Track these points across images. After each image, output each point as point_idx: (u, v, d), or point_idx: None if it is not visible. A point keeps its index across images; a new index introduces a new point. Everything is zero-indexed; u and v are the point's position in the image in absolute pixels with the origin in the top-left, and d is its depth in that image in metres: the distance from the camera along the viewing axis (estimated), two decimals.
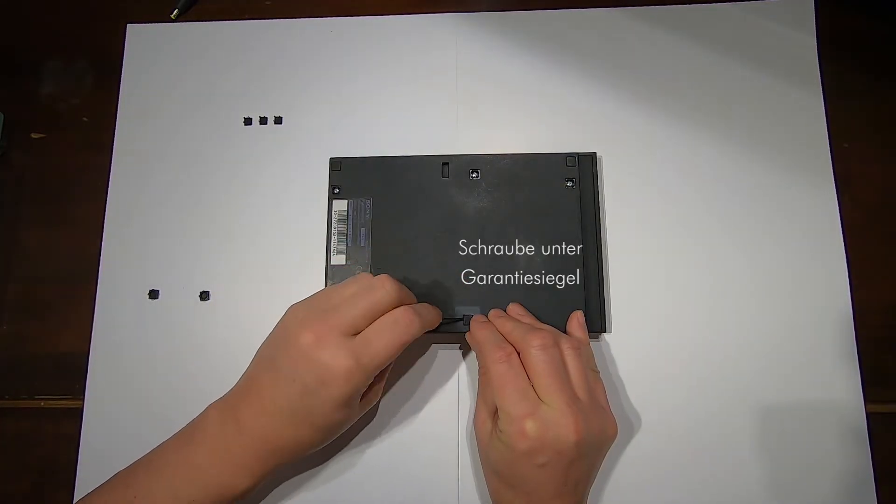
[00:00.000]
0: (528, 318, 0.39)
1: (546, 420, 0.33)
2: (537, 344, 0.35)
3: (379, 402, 0.40)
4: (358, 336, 0.34)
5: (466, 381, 0.42)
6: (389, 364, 0.36)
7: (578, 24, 0.47)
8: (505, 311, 0.40)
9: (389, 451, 0.41)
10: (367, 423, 0.41)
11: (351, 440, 0.41)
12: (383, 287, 0.35)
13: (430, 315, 0.37)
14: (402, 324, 0.34)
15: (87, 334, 0.43)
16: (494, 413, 0.36)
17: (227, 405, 0.36)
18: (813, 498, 0.39)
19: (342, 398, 0.33)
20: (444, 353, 0.42)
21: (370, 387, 0.36)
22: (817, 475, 0.39)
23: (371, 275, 0.36)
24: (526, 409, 0.34)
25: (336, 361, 0.32)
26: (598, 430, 0.35)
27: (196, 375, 0.42)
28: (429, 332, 0.41)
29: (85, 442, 0.42)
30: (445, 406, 0.41)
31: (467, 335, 0.39)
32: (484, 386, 0.38)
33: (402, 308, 0.35)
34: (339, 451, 0.41)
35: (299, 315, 0.35)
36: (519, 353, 0.36)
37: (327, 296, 0.35)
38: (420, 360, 0.42)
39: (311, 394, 0.33)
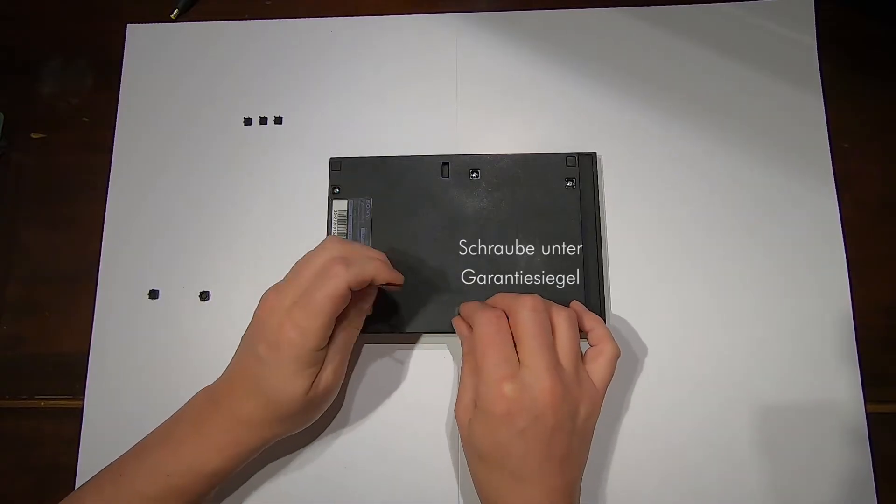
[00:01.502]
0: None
1: (524, 382, 0.33)
2: (529, 305, 0.35)
3: (342, 391, 0.38)
4: (299, 299, 0.34)
5: None
6: (346, 344, 0.36)
7: (578, 24, 0.47)
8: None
9: (390, 452, 0.41)
10: (359, 420, 0.41)
11: (347, 436, 0.41)
12: (327, 246, 0.35)
13: (368, 265, 0.35)
14: (328, 274, 0.33)
15: (87, 334, 0.43)
16: (476, 401, 0.35)
17: (211, 387, 0.37)
18: (813, 498, 0.39)
19: (290, 362, 0.33)
20: (443, 355, 0.42)
21: (325, 366, 0.35)
22: (817, 475, 0.39)
23: (338, 240, 0.36)
24: (506, 371, 0.33)
25: (279, 325, 0.33)
26: (576, 399, 0.34)
27: (196, 375, 0.42)
28: (430, 332, 0.41)
29: (85, 442, 0.42)
30: (445, 407, 0.41)
31: (454, 320, 0.39)
32: (466, 374, 0.37)
33: (329, 259, 0.34)
34: (337, 452, 0.41)
35: (265, 294, 0.36)
36: (508, 318, 0.36)
37: (293, 273, 0.36)
38: (420, 361, 0.42)
39: (265, 363, 0.34)
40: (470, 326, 0.37)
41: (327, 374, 0.35)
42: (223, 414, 0.35)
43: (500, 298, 0.38)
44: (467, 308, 0.38)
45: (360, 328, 0.37)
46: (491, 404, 0.33)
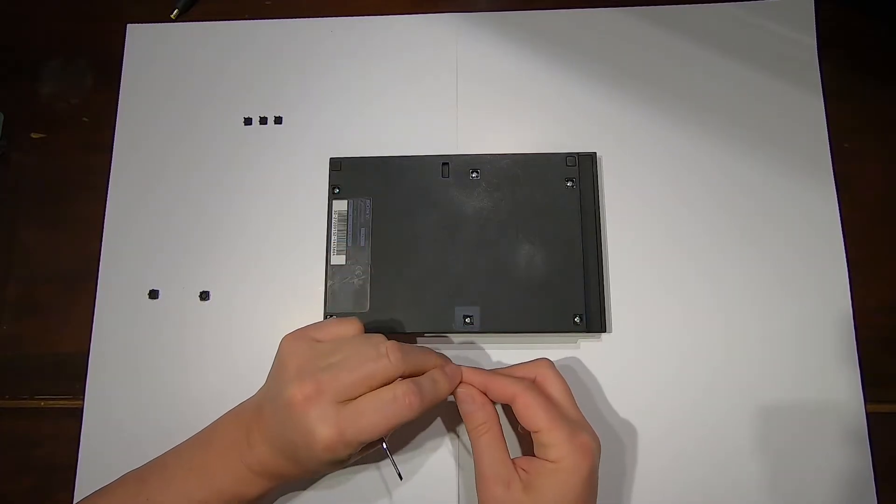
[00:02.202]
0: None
1: (591, 435, 0.34)
2: (547, 375, 0.36)
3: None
4: (350, 405, 0.32)
5: None
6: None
7: (578, 24, 0.47)
8: (504, 310, 0.40)
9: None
10: None
11: None
12: (389, 356, 0.33)
13: (439, 388, 0.34)
14: (399, 404, 0.32)
15: (87, 334, 0.43)
16: (511, 470, 0.34)
17: (240, 420, 0.36)
18: (813, 498, 0.39)
19: (326, 461, 0.33)
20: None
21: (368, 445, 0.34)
22: (817, 475, 0.39)
23: (384, 337, 0.34)
24: (575, 428, 0.34)
25: (320, 430, 0.31)
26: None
27: (196, 375, 0.42)
28: (430, 333, 0.41)
29: (85, 442, 0.42)
30: (444, 407, 0.41)
31: (458, 395, 0.37)
32: (491, 444, 0.35)
33: (404, 385, 0.32)
34: None
35: (294, 361, 0.33)
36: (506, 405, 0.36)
37: (327, 350, 0.34)
38: None
39: (299, 448, 0.32)
40: (484, 396, 0.36)
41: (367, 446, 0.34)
42: (256, 455, 0.34)
43: (494, 383, 0.36)
44: (484, 383, 0.36)
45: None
46: (575, 464, 0.33)
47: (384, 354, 0.33)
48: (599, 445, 0.35)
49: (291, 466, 0.34)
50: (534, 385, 0.36)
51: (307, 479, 0.37)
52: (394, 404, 0.32)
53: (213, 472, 0.34)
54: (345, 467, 0.36)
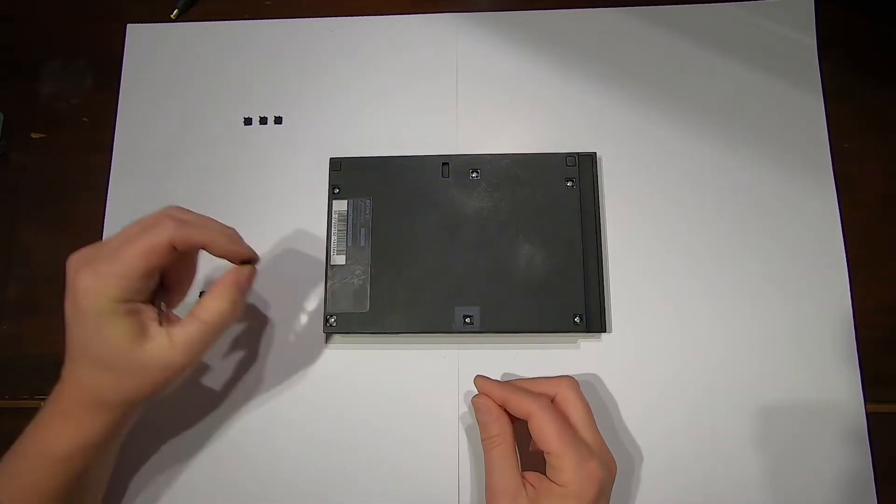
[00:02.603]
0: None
1: (602, 459, 0.34)
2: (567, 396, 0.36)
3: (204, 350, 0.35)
4: (103, 250, 0.33)
5: (466, 384, 0.42)
6: (206, 322, 0.33)
7: (578, 24, 0.47)
8: (504, 310, 0.40)
9: (390, 452, 0.41)
10: (358, 420, 0.41)
11: (347, 437, 0.41)
12: (154, 216, 0.33)
13: (204, 230, 0.34)
14: (153, 226, 0.32)
15: None
16: (518, 485, 0.34)
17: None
18: (813, 498, 0.39)
19: (91, 315, 0.32)
20: (443, 355, 0.42)
21: (159, 327, 0.33)
22: (817, 475, 0.39)
23: (180, 208, 0.35)
24: (586, 452, 0.34)
25: (76, 274, 0.32)
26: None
27: (195, 375, 0.42)
28: (430, 332, 0.41)
29: None
30: (445, 407, 0.41)
31: (474, 400, 0.37)
32: (502, 457, 0.35)
33: (160, 214, 0.33)
34: (337, 452, 0.41)
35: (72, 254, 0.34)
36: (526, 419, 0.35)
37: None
38: (420, 361, 0.42)
39: (70, 321, 0.32)
40: (501, 408, 0.36)
41: (176, 342, 0.33)
42: (66, 386, 0.34)
43: (513, 398, 0.36)
44: (503, 397, 0.36)
45: (234, 312, 0.35)
46: (581, 490, 0.33)
47: (161, 210, 0.33)
48: (613, 472, 0.35)
49: (87, 368, 0.33)
50: (552, 405, 0.35)
51: (124, 396, 0.33)
52: (146, 228, 0.32)
53: (37, 422, 0.34)
54: (157, 355, 0.33)
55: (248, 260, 0.36)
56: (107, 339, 0.32)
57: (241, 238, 0.36)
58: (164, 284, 0.35)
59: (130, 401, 0.34)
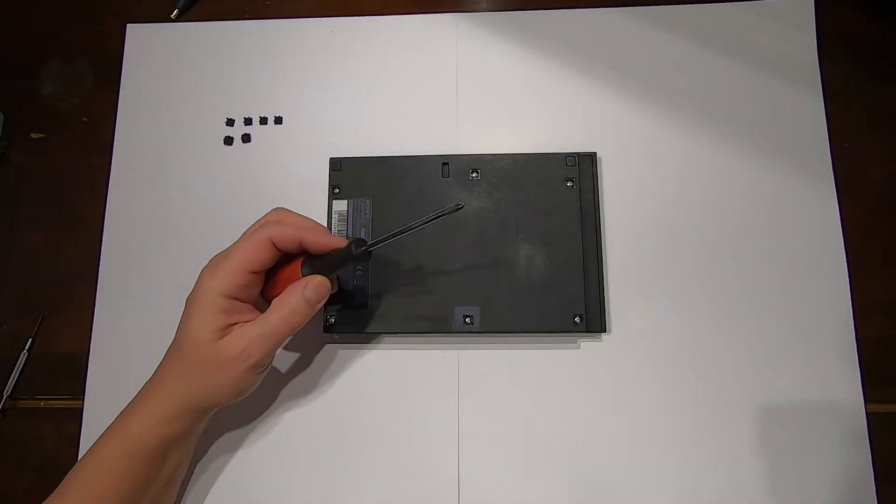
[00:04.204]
0: None
1: None
2: None
3: (265, 367, 0.37)
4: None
5: (466, 384, 0.42)
6: (275, 323, 0.35)
7: (578, 24, 0.47)
8: (504, 310, 0.40)
9: (390, 452, 0.41)
10: (358, 420, 0.41)
11: (347, 436, 0.41)
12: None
13: (295, 227, 0.36)
14: (254, 229, 0.36)
15: (87, 334, 0.43)
16: None
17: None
18: (813, 498, 0.39)
19: (196, 304, 0.35)
20: (442, 355, 0.42)
21: (239, 325, 0.35)
22: (817, 475, 0.39)
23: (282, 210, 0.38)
24: None
25: (201, 274, 0.36)
26: None
27: None
28: (429, 333, 0.41)
29: (85, 442, 0.42)
30: (445, 407, 0.41)
31: None
32: None
33: (263, 221, 0.37)
34: (338, 452, 0.41)
35: None
36: None
37: None
38: (420, 361, 0.42)
39: (183, 314, 0.36)
40: None
41: (238, 337, 0.35)
42: (155, 381, 0.36)
43: None
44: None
45: (302, 320, 0.36)
46: None
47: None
48: None
49: (180, 357, 0.35)
50: None
51: (207, 397, 0.35)
52: (251, 232, 0.36)
53: (126, 415, 0.36)
54: (232, 366, 0.35)
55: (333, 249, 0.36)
56: (196, 328, 0.35)
57: (330, 233, 0.38)
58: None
59: (203, 396, 0.36)
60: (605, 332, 0.41)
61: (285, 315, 0.35)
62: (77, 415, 0.42)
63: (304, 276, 0.36)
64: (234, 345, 0.35)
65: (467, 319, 0.40)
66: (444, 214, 0.34)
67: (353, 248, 0.35)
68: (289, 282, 0.36)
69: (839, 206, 0.43)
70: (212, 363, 0.35)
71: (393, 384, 0.42)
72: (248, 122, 0.47)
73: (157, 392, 0.36)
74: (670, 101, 0.46)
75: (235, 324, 0.35)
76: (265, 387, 0.42)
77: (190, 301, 0.36)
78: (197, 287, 0.35)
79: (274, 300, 0.36)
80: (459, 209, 0.34)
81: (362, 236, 0.42)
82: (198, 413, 0.36)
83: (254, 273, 0.35)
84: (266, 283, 0.38)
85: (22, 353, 0.43)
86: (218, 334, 0.35)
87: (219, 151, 0.46)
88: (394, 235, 0.34)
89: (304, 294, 0.35)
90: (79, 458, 0.41)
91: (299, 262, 0.37)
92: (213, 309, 0.35)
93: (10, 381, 0.43)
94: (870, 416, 0.40)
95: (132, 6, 0.50)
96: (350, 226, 0.43)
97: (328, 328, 0.41)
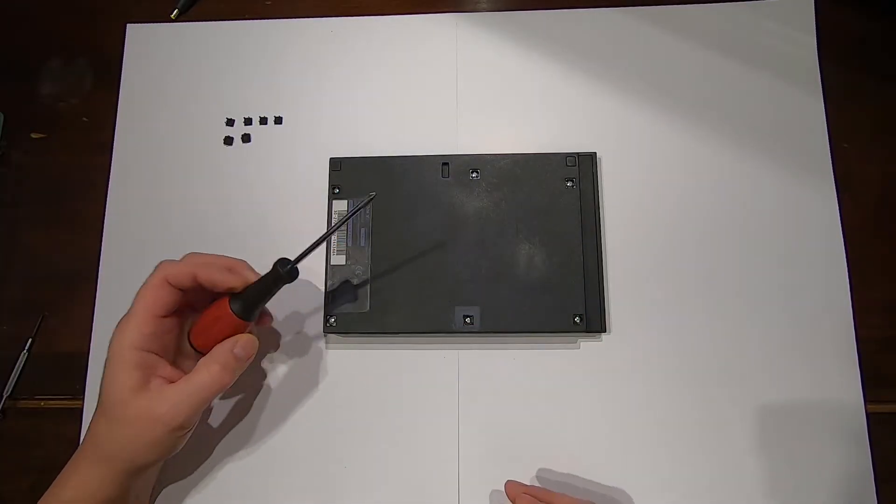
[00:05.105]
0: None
1: None
2: None
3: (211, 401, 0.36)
4: None
5: (465, 384, 0.42)
6: (201, 381, 0.34)
7: (578, 24, 0.47)
8: (504, 310, 0.40)
9: (390, 451, 0.41)
10: (359, 419, 0.41)
11: (348, 436, 0.41)
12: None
13: (190, 264, 0.35)
14: (150, 276, 0.36)
15: (87, 334, 0.43)
16: None
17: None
18: (813, 498, 0.39)
19: (112, 361, 0.34)
20: (442, 355, 0.42)
21: (164, 381, 0.34)
22: (817, 475, 0.39)
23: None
24: None
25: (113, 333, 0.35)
26: None
27: None
28: (429, 332, 0.41)
29: None
30: (445, 406, 0.41)
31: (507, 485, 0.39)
32: None
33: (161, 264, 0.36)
34: (338, 452, 0.41)
35: None
36: None
37: None
38: (420, 361, 0.42)
39: (102, 375, 0.34)
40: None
41: (163, 399, 0.34)
42: (83, 444, 0.35)
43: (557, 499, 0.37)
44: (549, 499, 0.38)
45: (231, 378, 0.35)
46: None
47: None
48: None
49: (103, 415, 0.34)
50: None
51: (143, 453, 0.34)
52: (146, 282, 0.36)
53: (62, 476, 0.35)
54: (162, 422, 0.34)
55: (236, 292, 0.36)
56: (113, 386, 0.34)
57: (247, 268, 0.37)
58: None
59: (128, 457, 0.34)
60: (604, 332, 0.41)
61: (214, 373, 0.34)
62: (77, 415, 0.42)
63: (233, 311, 0.35)
64: (159, 406, 0.34)
65: (467, 319, 0.40)
66: (358, 210, 0.36)
67: (280, 269, 0.34)
68: (216, 320, 0.36)
69: (839, 206, 0.43)
70: (135, 423, 0.34)
71: (393, 384, 0.42)
72: (247, 122, 0.47)
73: (85, 460, 0.35)
74: (670, 101, 0.46)
75: (156, 377, 0.34)
76: (265, 387, 0.42)
77: (106, 361, 0.34)
78: (109, 346, 0.34)
79: (201, 360, 0.35)
80: (372, 199, 0.36)
81: (362, 236, 0.42)
82: (129, 474, 0.35)
83: (161, 317, 0.35)
84: (193, 328, 0.37)
85: (22, 353, 0.43)
86: (137, 392, 0.33)
87: (219, 151, 0.46)
88: (315, 245, 0.35)
89: (234, 352, 0.35)
90: None
91: (225, 300, 0.36)
92: (126, 365, 0.34)
93: (10, 381, 0.43)
94: (869, 416, 0.40)
95: (132, 6, 0.50)
96: (350, 226, 0.43)
97: (329, 329, 0.41)
